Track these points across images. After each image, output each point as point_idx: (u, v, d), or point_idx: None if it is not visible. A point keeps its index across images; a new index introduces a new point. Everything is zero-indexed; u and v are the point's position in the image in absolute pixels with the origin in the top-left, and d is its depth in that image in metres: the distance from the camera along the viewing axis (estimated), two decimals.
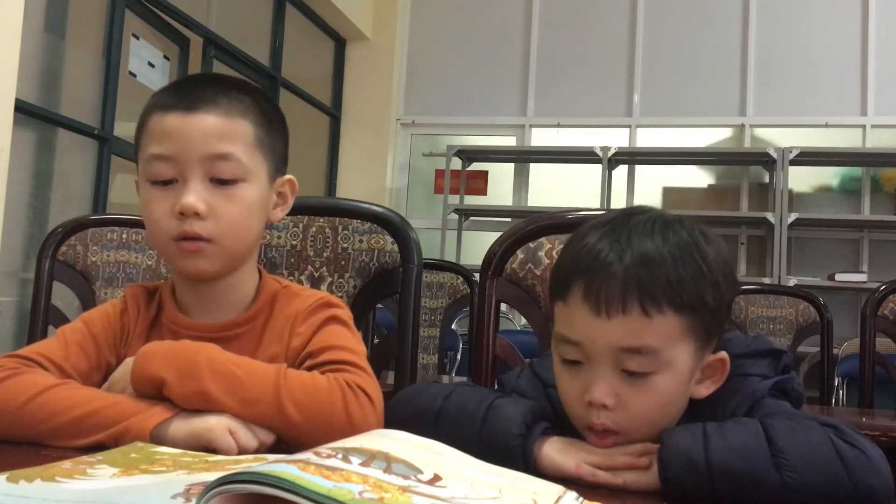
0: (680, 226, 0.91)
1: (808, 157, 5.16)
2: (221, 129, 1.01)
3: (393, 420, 0.93)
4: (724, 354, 0.93)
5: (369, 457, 0.60)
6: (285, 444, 0.90)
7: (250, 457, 0.82)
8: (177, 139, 0.99)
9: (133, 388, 0.93)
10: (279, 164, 1.10)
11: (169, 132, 1.00)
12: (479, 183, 6.01)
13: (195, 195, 0.98)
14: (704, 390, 0.93)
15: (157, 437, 0.86)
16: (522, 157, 6.01)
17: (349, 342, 1.02)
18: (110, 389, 0.97)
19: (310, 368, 0.98)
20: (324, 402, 0.91)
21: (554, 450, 0.87)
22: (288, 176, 1.12)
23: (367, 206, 1.48)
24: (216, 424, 0.87)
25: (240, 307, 1.07)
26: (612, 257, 0.88)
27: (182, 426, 0.87)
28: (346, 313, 1.07)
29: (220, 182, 1.00)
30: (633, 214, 0.93)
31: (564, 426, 0.96)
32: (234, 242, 1.02)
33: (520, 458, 0.85)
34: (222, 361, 0.91)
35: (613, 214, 0.94)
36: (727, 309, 0.93)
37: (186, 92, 1.02)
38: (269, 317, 1.06)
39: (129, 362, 0.96)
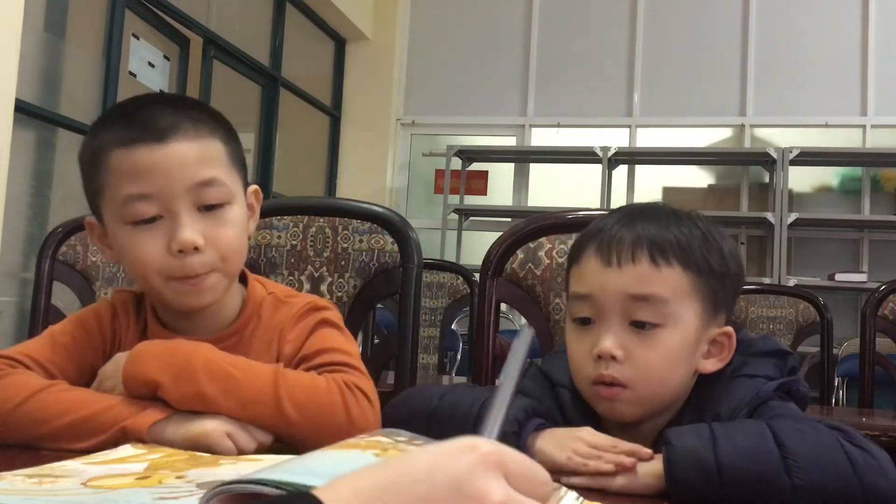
0: (690, 213, 0.99)
1: (808, 157, 5.16)
2: (199, 155, 0.96)
3: (389, 422, 0.93)
4: (729, 329, 0.96)
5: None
6: (283, 443, 0.90)
7: (249, 457, 0.82)
8: (155, 175, 0.93)
9: (125, 388, 0.91)
10: (245, 176, 1.05)
11: (143, 169, 0.93)
12: (479, 183, 6.01)
13: (190, 229, 0.94)
14: (711, 366, 0.96)
15: (153, 438, 0.86)
16: (522, 157, 6.01)
17: (342, 344, 1.01)
18: (99, 387, 0.95)
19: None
20: (324, 403, 0.90)
21: (546, 443, 0.87)
22: (253, 186, 1.08)
23: (367, 206, 1.48)
24: (213, 429, 0.86)
25: (227, 321, 1.04)
26: (623, 224, 0.95)
27: (179, 430, 0.86)
28: (335, 315, 1.05)
29: (208, 208, 0.96)
30: (644, 203, 1.01)
31: (571, 426, 0.96)
32: (233, 266, 1.00)
33: None
34: (218, 362, 0.90)
35: (625, 205, 1.03)
36: (733, 286, 0.98)
37: (142, 120, 0.95)
38: (257, 327, 1.04)
39: (119, 359, 0.95)
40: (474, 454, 0.42)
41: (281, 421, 0.89)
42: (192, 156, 0.95)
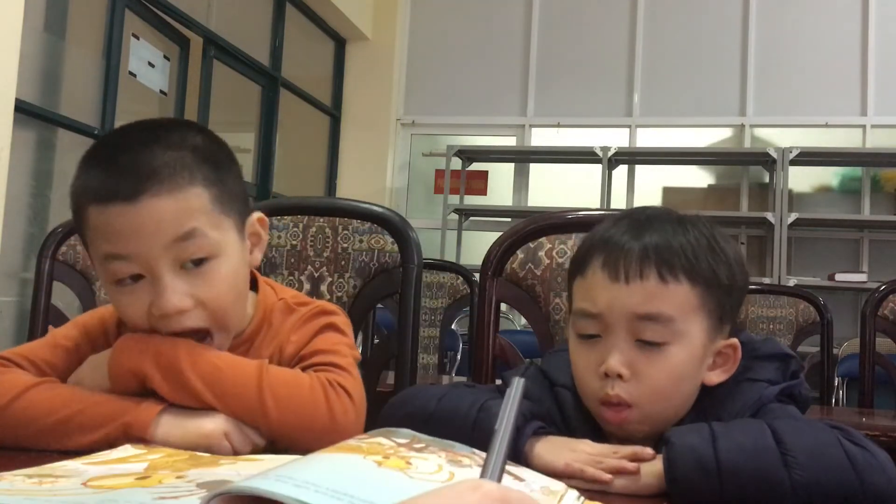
0: (695, 219, 0.97)
1: (808, 157, 5.16)
2: (176, 210, 0.88)
3: (388, 423, 0.92)
4: (735, 341, 0.95)
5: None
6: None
7: (249, 457, 0.83)
8: (129, 236, 0.87)
9: (112, 381, 0.90)
10: (242, 209, 0.98)
11: (117, 230, 0.88)
12: (479, 183, 6.01)
13: (172, 293, 0.88)
14: (716, 378, 0.95)
15: (154, 435, 0.86)
16: (522, 157, 6.01)
17: (341, 347, 1.00)
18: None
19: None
20: (306, 399, 0.90)
21: (545, 450, 0.87)
22: (256, 214, 1.01)
23: (367, 206, 1.48)
24: (212, 431, 0.86)
25: (238, 329, 1.01)
26: (630, 235, 0.93)
27: (177, 429, 0.86)
28: (341, 320, 1.04)
29: (194, 263, 0.90)
30: (649, 208, 0.98)
31: (571, 427, 0.96)
32: (231, 319, 0.95)
33: (511, 458, 0.85)
34: (202, 354, 0.90)
35: (629, 210, 1.01)
36: (739, 296, 0.97)
37: (117, 170, 0.89)
38: (266, 334, 1.02)
39: (94, 360, 0.94)
40: (479, 492, 0.44)
41: (262, 416, 0.88)
42: (168, 212, 0.88)
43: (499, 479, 0.49)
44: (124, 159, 0.90)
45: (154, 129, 0.94)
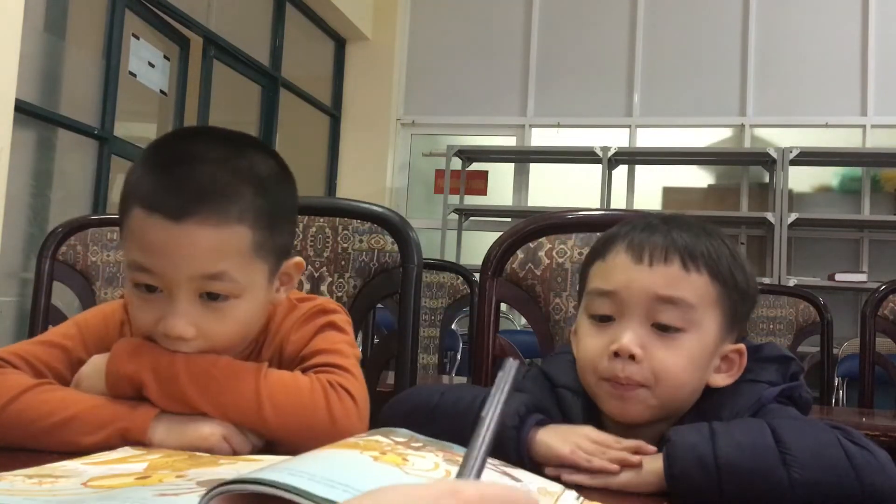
0: (718, 231, 0.98)
1: (808, 157, 5.17)
2: (213, 246, 0.87)
3: (390, 419, 0.92)
4: (741, 346, 0.96)
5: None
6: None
7: (248, 457, 0.83)
8: (161, 257, 0.87)
9: (108, 386, 0.90)
10: (282, 254, 0.96)
11: (152, 244, 0.87)
12: (479, 183, 6.02)
13: (182, 319, 0.88)
14: (720, 381, 0.95)
15: (151, 439, 0.85)
16: (522, 157, 6.01)
17: (341, 346, 0.99)
18: (77, 388, 0.93)
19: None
20: (306, 403, 0.89)
21: (549, 435, 0.87)
22: (295, 259, 0.99)
23: (367, 206, 1.48)
24: (210, 434, 0.86)
25: None
26: (656, 229, 0.95)
27: (174, 433, 0.86)
28: (342, 318, 1.03)
29: (211, 297, 0.89)
30: (673, 214, 1.00)
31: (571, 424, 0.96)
32: (228, 351, 0.94)
33: (514, 449, 0.85)
34: (199, 362, 0.89)
35: (652, 213, 1.03)
36: (750, 306, 0.98)
37: (171, 180, 0.87)
38: (267, 332, 1.01)
39: (96, 361, 0.93)
40: (455, 499, 0.41)
41: (261, 421, 0.88)
42: (206, 245, 0.87)
43: (478, 476, 0.45)
44: (181, 172, 0.88)
45: (225, 146, 0.91)
